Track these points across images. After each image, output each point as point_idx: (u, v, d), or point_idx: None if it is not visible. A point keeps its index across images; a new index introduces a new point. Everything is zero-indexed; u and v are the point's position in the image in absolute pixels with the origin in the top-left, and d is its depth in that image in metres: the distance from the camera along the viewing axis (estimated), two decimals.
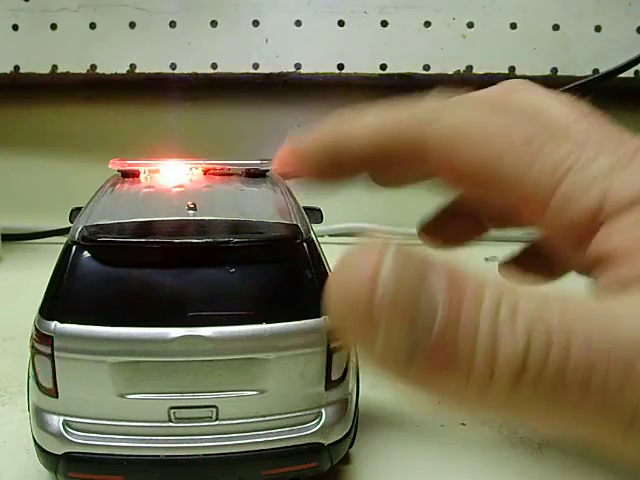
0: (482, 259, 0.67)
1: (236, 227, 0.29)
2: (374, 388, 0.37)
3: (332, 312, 0.16)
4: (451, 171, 0.22)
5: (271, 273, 0.28)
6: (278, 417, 0.28)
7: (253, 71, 0.73)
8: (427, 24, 0.72)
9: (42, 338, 0.27)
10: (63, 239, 0.29)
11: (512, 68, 0.73)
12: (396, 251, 0.16)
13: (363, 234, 0.76)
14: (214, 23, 0.72)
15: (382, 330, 0.15)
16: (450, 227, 0.30)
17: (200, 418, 0.27)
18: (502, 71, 0.72)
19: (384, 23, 0.72)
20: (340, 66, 0.73)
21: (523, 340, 0.16)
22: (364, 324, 0.16)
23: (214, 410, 0.27)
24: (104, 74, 0.73)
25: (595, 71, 0.71)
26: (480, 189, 0.22)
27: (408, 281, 0.16)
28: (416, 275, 0.16)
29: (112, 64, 0.73)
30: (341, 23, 0.72)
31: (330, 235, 0.72)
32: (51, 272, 0.28)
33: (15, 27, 0.72)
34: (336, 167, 0.25)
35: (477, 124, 0.21)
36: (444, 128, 0.22)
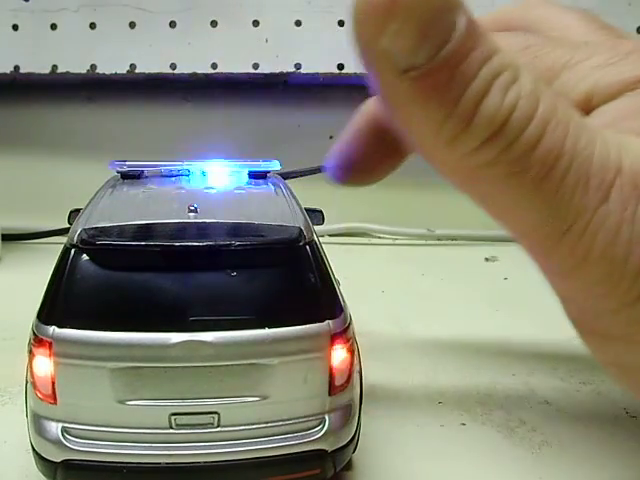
0: (482, 259, 0.66)
1: (238, 230, 0.28)
2: (374, 389, 0.37)
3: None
4: None
5: (273, 277, 0.28)
6: (281, 423, 0.27)
7: (253, 71, 0.73)
8: None
9: (40, 343, 0.26)
10: (63, 239, 0.29)
11: None
12: None
13: (363, 234, 0.75)
14: (214, 23, 0.72)
15: (391, 30, 0.16)
16: (372, 157, 0.27)
17: (201, 424, 0.27)
18: None
19: None
20: (340, 66, 0.72)
21: (509, 104, 0.16)
22: (378, 17, 0.16)
23: (216, 416, 0.27)
24: (104, 74, 0.73)
25: None
26: None
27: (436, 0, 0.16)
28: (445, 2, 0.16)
29: (112, 64, 0.73)
30: (341, 23, 0.72)
31: (330, 235, 0.72)
32: (50, 274, 0.27)
33: (15, 27, 0.72)
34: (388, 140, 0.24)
35: None
36: None
